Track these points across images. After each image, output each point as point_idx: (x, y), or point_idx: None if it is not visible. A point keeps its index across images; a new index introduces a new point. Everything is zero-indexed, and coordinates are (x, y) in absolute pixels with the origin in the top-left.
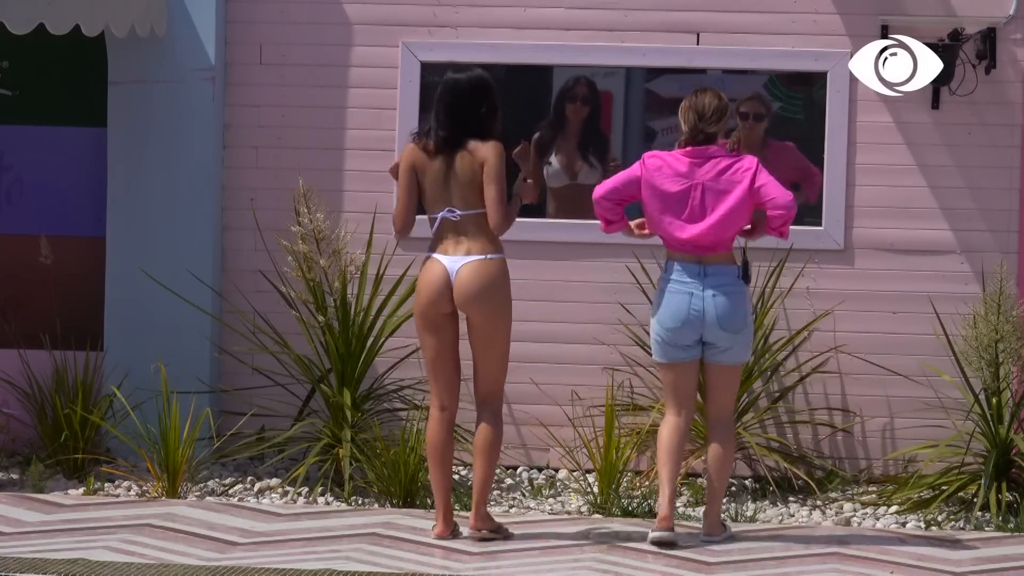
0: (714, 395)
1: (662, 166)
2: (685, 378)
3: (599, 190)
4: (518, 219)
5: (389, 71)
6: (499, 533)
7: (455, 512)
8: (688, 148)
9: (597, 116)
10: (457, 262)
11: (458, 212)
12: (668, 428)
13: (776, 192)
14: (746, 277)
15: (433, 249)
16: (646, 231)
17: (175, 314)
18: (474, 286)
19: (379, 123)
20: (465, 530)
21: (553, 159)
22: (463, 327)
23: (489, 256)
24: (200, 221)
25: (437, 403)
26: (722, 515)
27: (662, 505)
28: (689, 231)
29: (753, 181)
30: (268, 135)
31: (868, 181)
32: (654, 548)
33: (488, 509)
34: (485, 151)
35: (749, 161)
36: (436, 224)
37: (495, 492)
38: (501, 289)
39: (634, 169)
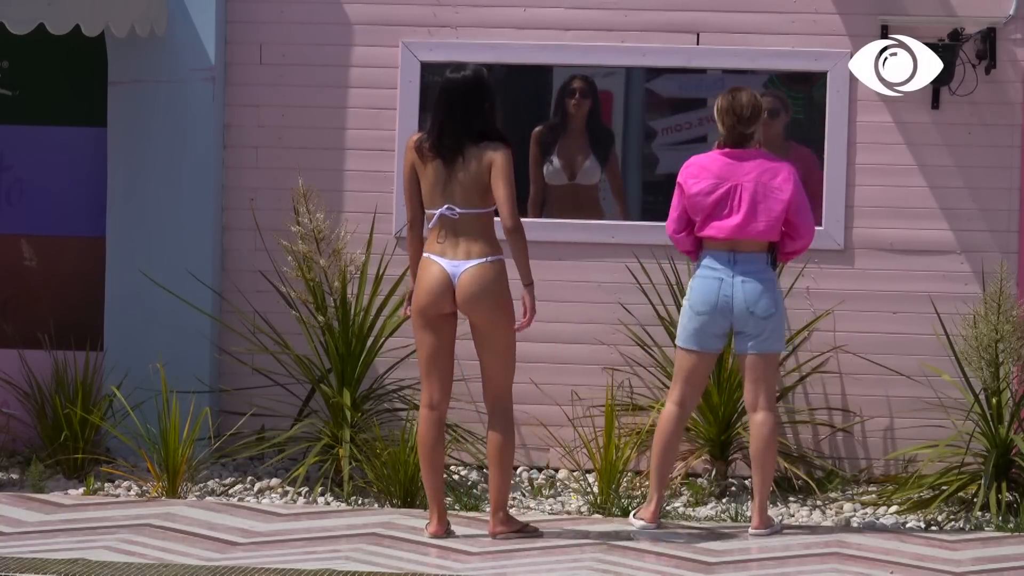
0: (751, 387)
1: (699, 172)
2: (701, 368)
3: (670, 230)
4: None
5: (389, 71)
6: (524, 533)
7: (455, 512)
8: (727, 149)
9: (598, 112)
10: (459, 266)
11: (457, 210)
12: (664, 419)
13: (804, 231)
14: (773, 264)
15: (430, 249)
16: None
17: (175, 314)
18: (477, 290)
19: (379, 123)
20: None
21: (554, 158)
22: (461, 328)
23: (490, 259)
24: (200, 221)
25: (427, 401)
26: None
27: (650, 500)
28: (729, 230)
29: (791, 198)
30: (268, 135)
31: (868, 181)
32: (654, 548)
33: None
34: (492, 153)
35: (787, 171)
36: (433, 220)
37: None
38: (504, 291)
39: (679, 187)
